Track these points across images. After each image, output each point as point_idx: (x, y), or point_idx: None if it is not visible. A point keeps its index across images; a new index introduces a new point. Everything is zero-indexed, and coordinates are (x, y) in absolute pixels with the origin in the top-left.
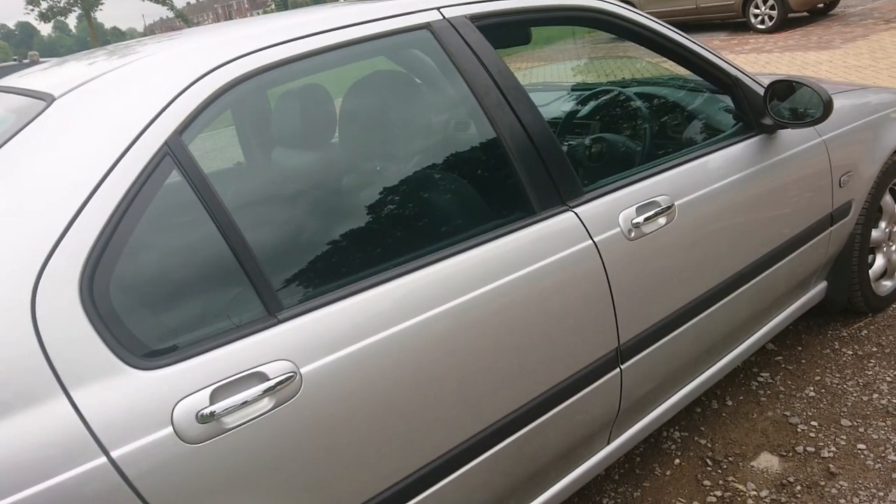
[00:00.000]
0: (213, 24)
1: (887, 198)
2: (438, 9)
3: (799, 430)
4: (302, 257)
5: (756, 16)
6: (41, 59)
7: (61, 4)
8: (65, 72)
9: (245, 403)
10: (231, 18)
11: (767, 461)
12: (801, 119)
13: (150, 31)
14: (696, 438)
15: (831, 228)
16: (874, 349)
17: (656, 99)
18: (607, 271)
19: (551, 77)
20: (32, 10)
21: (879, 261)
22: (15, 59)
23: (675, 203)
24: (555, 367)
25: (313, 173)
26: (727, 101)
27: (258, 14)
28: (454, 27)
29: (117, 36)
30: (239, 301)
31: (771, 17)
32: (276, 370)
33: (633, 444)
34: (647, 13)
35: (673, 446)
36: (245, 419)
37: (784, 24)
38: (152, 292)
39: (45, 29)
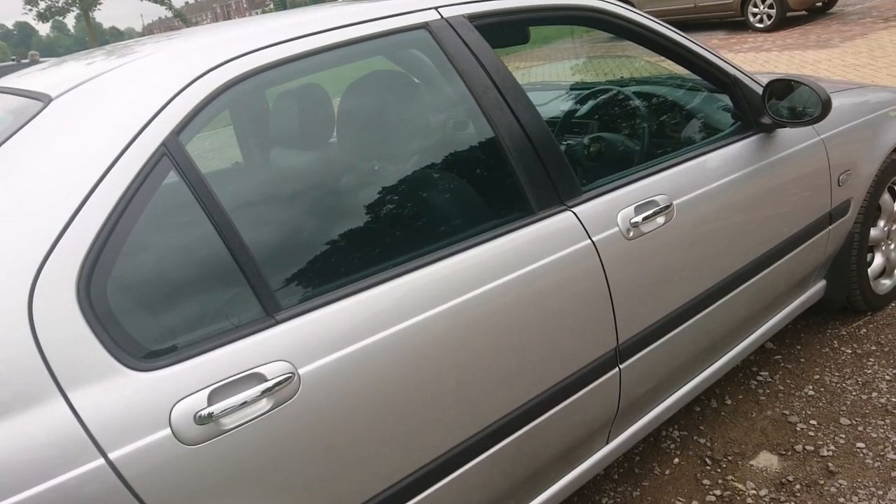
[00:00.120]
0: (211, 23)
1: (886, 196)
2: (436, 8)
3: (798, 428)
4: (300, 257)
5: (754, 14)
6: (41, 59)
7: (59, 4)
8: (62, 72)
9: (243, 404)
10: (229, 18)
11: (766, 460)
12: (799, 118)
13: (149, 30)
14: (695, 437)
15: (830, 227)
16: (873, 348)
17: (655, 98)
18: (606, 271)
19: (550, 76)
20: (31, 9)
21: (878, 259)
22: (13, 59)
23: (674, 202)
24: (553, 366)
25: (311, 173)
26: (726, 100)
27: (256, 14)
28: (452, 27)
29: (116, 36)
30: (237, 302)
31: (769, 16)
32: (274, 371)
33: (633, 443)
34: (646, 12)
35: (672, 445)
36: (243, 420)
37: (782, 22)
38: (150, 293)
39: (44, 29)
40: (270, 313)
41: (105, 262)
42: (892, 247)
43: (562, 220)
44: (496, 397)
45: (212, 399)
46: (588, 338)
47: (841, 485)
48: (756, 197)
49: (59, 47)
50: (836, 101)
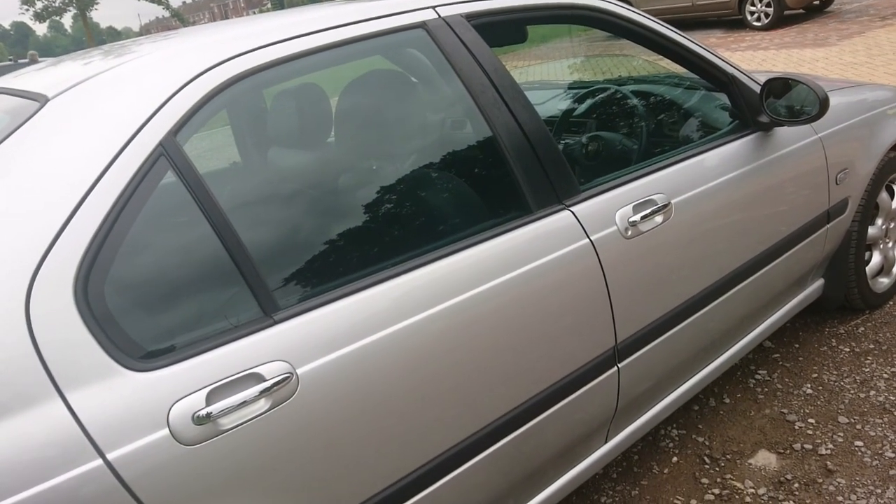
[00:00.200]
0: (208, 23)
1: (884, 195)
2: (434, 7)
3: (796, 427)
4: (298, 257)
5: (752, 13)
6: (40, 59)
7: (56, 4)
8: (59, 72)
9: (241, 404)
10: (227, 17)
11: (765, 459)
12: (797, 116)
13: (146, 30)
14: (693, 436)
15: (828, 226)
16: (871, 346)
17: (653, 97)
18: (604, 270)
19: (547, 75)
20: (27, 9)
21: (876, 258)
22: (10, 60)
23: (672, 201)
24: (552, 365)
25: (309, 173)
26: (723, 98)
27: (254, 13)
28: (450, 26)
29: (113, 35)
30: (235, 302)
31: (767, 15)
32: (272, 371)
33: (631, 442)
34: (644, 11)
35: (671, 444)
36: (241, 420)
37: (780, 21)
38: (147, 293)
39: (41, 29)
40: (268, 313)
41: (102, 262)
42: (890, 245)
43: (560, 220)
44: (494, 397)
45: (210, 399)
46: (586, 337)
47: (839, 483)
48: (754, 195)
49: (57, 47)
50: (834, 100)
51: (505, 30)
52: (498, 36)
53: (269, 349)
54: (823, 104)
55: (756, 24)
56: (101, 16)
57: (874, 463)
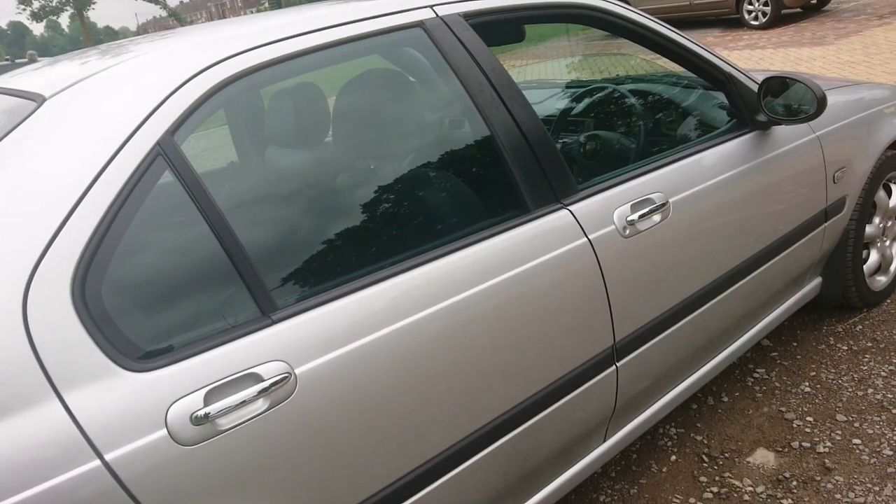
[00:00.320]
0: (206, 22)
1: (881, 193)
2: (432, 7)
3: (794, 425)
4: (296, 257)
5: (750, 12)
6: (39, 59)
7: (53, 4)
8: (56, 72)
9: (239, 405)
10: (224, 17)
11: (763, 457)
12: (795, 115)
13: (143, 30)
14: (692, 435)
15: (825, 224)
16: (869, 344)
17: (650, 96)
18: (602, 269)
19: (545, 74)
20: (24, 9)
21: (873, 256)
22: (7, 59)
23: (670, 200)
24: (550, 365)
25: (307, 172)
26: (721, 97)
27: (251, 12)
28: (447, 25)
29: (110, 35)
30: (232, 302)
31: (764, 14)
32: (270, 371)
33: (630, 441)
34: (641, 10)
35: (669, 443)
36: (240, 420)
37: (777, 20)
38: (145, 294)
39: (38, 28)
40: (266, 313)
41: (100, 262)
42: (888, 243)
43: (558, 219)
44: (493, 396)
45: (208, 399)
46: (584, 336)
47: (837, 481)
48: (752, 194)
49: (54, 47)
50: (832, 99)
51: (503, 29)
52: (496, 35)
53: (267, 349)
54: (821, 103)
55: (753, 22)
56: (99, 15)
57: (872, 461)
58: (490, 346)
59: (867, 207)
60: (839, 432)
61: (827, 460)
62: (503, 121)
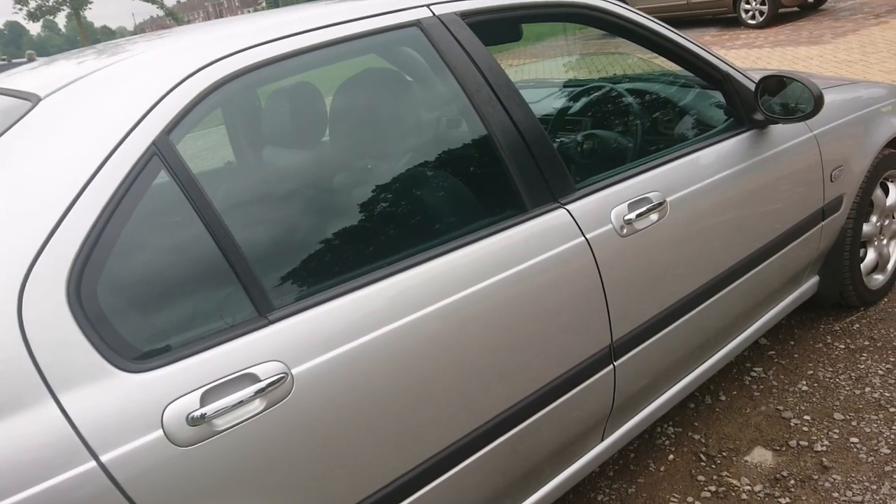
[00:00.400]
0: (203, 21)
1: (878, 192)
2: (428, 6)
3: (792, 424)
4: (292, 257)
5: (747, 11)
6: (37, 59)
7: (50, 3)
8: (52, 71)
9: (236, 405)
10: (221, 16)
11: (761, 456)
12: (792, 114)
13: (141, 29)
14: (689, 434)
15: (823, 223)
16: (866, 343)
17: (647, 95)
18: (599, 268)
19: (543, 74)
20: (21, 9)
21: (871, 255)
22: (4, 59)
23: (667, 199)
24: (548, 364)
25: (304, 172)
26: (718, 96)
27: (249, 12)
28: (444, 24)
29: (107, 35)
30: (229, 302)
31: (762, 13)
32: (267, 371)
33: (628, 440)
34: (638, 9)
35: (667, 442)
36: (236, 421)
37: (775, 19)
38: (141, 294)
39: (34, 28)
40: (263, 313)
41: (95, 263)
42: (885, 242)
43: (555, 218)
44: (491, 396)
45: (204, 400)
46: (582, 335)
47: (835, 479)
48: (749, 193)
49: (51, 47)
50: (829, 97)
51: (500, 28)
52: (493, 34)
53: (263, 349)
54: (818, 102)
55: (751, 21)
56: (96, 15)
57: (869, 459)
58: (488, 345)
59: (864, 206)
60: (837, 431)
61: (824, 459)
62: (500, 120)
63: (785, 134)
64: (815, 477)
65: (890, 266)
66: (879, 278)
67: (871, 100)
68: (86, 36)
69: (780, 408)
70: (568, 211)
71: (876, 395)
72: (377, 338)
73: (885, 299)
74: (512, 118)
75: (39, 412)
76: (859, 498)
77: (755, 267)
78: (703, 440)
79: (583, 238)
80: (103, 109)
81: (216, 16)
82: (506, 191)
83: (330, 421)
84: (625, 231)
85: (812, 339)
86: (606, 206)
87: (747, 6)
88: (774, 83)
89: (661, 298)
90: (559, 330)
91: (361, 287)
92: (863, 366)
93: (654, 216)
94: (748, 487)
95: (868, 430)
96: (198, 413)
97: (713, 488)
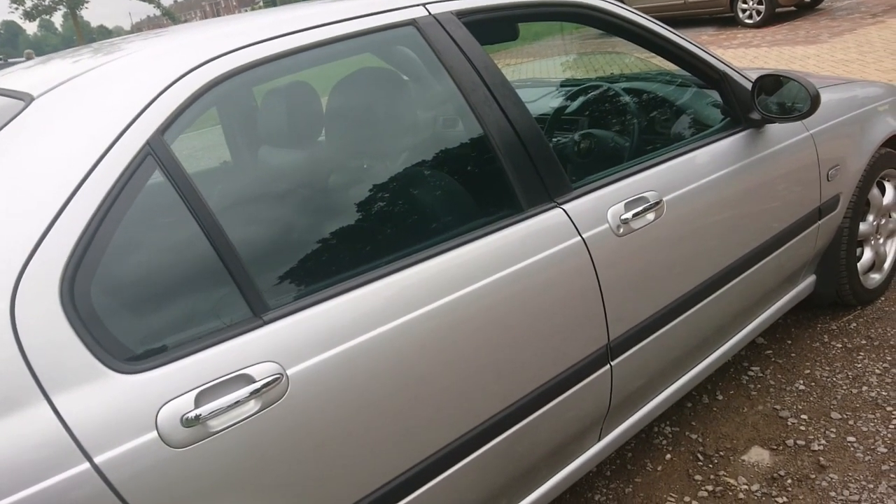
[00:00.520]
0: (199, 21)
1: (875, 191)
2: (424, 5)
3: (789, 423)
4: (288, 257)
5: (744, 11)
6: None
7: (46, 3)
8: (46, 70)
9: (231, 406)
10: (218, 16)
11: (758, 455)
12: (788, 113)
13: (137, 28)
14: (687, 433)
15: (819, 222)
16: (863, 342)
17: (644, 94)
18: (596, 268)
19: (539, 73)
20: (17, 8)
21: (867, 254)
22: (0, 59)
23: (664, 199)
24: (544, 364)
25: (299, 172)
26: (715, 96)
27: (245, 11)
28: (440, 23)
29: (104, 34)
30: (224, 302)
31: (759, 12)
32: (262, 372)
33: (625, 440)
34: (635, 8)
35: (664, 441)
36: (231, 422)
37: (772, 18)
38: (135, 295)
39: (31, 28)
40: (258, 314)
41: (89, 263)
42: (881, 241)
43: (551, 218)
44: (487, 395)
45: (199, 401)
46: (579, 335)
47: (832, 479)
48: (746, 192)
49: (48, 46)
50: (825, 97)
51: (496, 27)
52: (489, 33)
53: (258, 350)
54: (815, 101)
55: (748, 21)
56: (92, 14)
57: (866, 458)
58: (484, 345)
59: (861, 205)
60: (834, 430)
61: (821, 458)
62: (496, 119)
63: (782, 133)
64: (813, 476)
65: (886, 265)
66: (876, 277)
67: (867, 99)
68: (82, 35)
69: (778, 407)
70: (564, 210)
71: (873, 394)
72: (373, 338)
73: (882, 298)
74: (508, 118)
75: (32, 413)
76: (856, 497)
77: (752, 266)
78: (700, 440)
79: (579, 238)
80: (97, 109)
81: (213, 15)
82: (502, 190)
83: (325, 422)
84: (621, 231)
85: (809, 339)
86: (603, 205)
87: (744, 5)
88: (771, 82)
89: (657, 298)
90: (556, 330)
91: (357, 287)
92: (860, 365)
93: (650, 216)
94: (745, 487)
95: (865, 429)
96: (192, 414)
97: (710, 488)
